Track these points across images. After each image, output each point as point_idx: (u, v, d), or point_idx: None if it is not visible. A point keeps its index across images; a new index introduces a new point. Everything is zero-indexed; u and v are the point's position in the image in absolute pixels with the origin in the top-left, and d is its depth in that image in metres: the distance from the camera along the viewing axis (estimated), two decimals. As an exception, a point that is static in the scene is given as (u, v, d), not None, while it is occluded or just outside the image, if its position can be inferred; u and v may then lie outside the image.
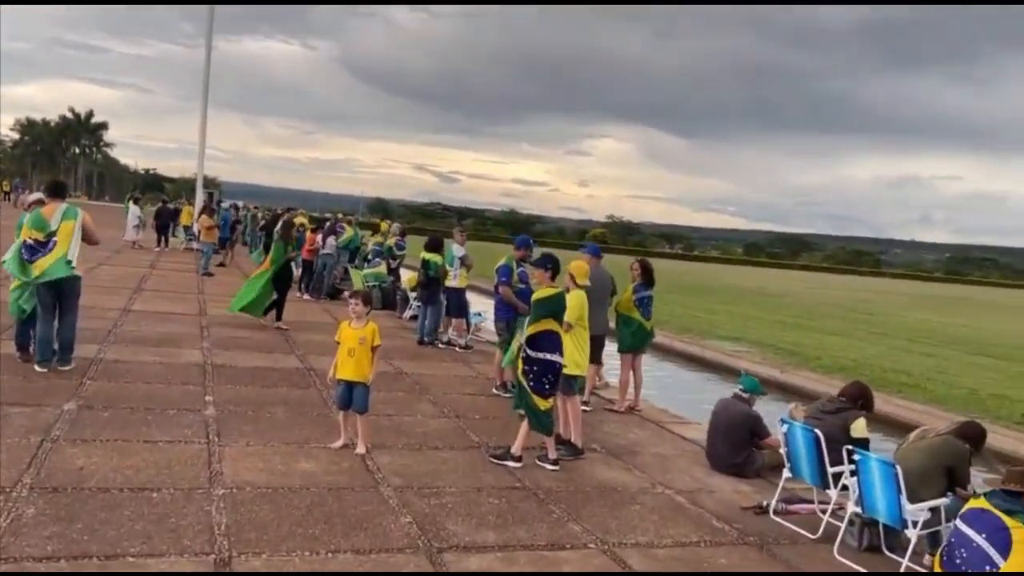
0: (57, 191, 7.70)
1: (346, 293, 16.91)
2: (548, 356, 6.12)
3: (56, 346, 7.51)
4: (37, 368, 7.37)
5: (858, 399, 5.96)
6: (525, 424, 6.21)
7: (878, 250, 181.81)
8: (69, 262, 7.23)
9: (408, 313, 14.45)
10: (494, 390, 8.77)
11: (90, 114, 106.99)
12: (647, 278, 8.73)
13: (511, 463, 6.10)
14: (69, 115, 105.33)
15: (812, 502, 5.80)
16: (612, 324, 8.72)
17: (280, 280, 11.50)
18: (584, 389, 8.33)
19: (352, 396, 6.01)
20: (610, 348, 9.08)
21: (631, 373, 8.67)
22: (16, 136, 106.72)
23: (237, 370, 8.44)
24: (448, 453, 6.31)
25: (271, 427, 6.45)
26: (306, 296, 16.18)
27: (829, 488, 5.43)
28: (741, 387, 6.96)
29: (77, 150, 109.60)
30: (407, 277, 15.86)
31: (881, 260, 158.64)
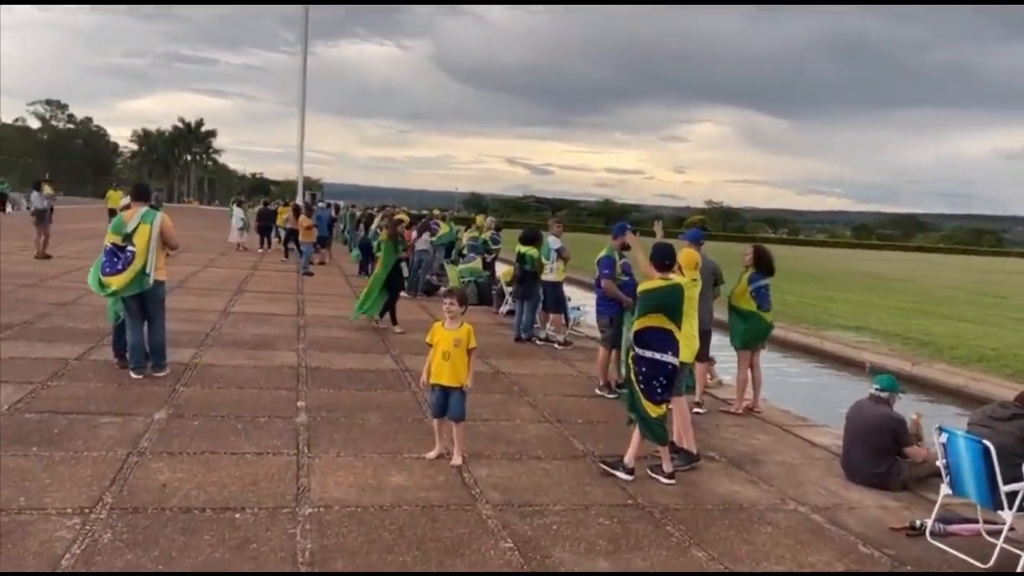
0: (140, 194, 7.59)
1: (442, 289, 16.69)
2: (658, 356, 5.48)
3: (149, 351, 7.44)
4: (132, 375, 7.29)
5: (1039, 403, 5.07)
6: (637, 431, 5.61)
7: (1000, 228, 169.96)
8: (147, 276, 7.12)
9: (504, 308, 14.02)
10: (597, 391, 8.19)
11: (200, 123, 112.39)
12: (763, 266, 7.95)
13: (622, 475, 5.51)
14: (180, 125, 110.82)
15: (976, 521, 4.98)
16: (718, 316, 7.98)
17: (392, 281, 11.16)
18: (696, 389, 7.67)
19: (448, 403, 5.56)
20: (722, 342, 8.35)
21: (748, 371, 7.92)
22: (135, 147, 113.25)
23: (331, 372, 8.18)
24: (551, 464, 5.77)
25: (363, 435, 6.09)
26: (403, 294, 15.98)
27: (1002, 509, 4.59)
28: (877, 386, 6.13)
29: (189, 157, 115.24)
30: (503, 271, 15.46)
31: (1004, 239, 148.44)
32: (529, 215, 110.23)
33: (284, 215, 25.01)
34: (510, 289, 14.35)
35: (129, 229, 7.15)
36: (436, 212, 22.53)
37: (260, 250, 23.94)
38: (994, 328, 16.53)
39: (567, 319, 11.54)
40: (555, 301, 10.96)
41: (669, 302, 5.55)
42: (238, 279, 16.35)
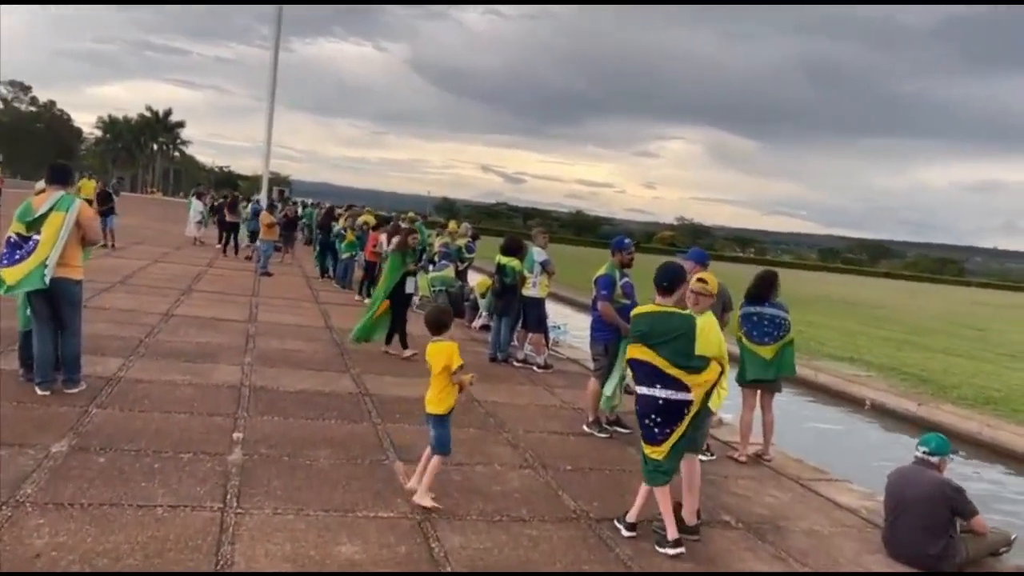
0: (56, 176, 6.26)
1: (414, 299, 15.55)
2: (645, 390, 4.63)
3: (61, 363, 6.24)
4: (38, 391, 6.09)
5: None
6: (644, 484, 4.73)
7: (959, 258, 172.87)
8: (45, 272, 5.85)
9: (478, 322, 12.97)
10: (586, 427, 7.16)
11: (168, 112, 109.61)
12: (751, 291, 6.98)
13: (621, 528, 4.76)
14: (148, 113, 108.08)
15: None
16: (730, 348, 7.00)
17: (397, 298, 9.61)
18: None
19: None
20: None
21: (753, 412, 6.94)
22: (99, 133, 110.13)
23: (278, 395, 7.03)
24: (538, 528, 4.71)
25: (309, 482, 4.98)
26: (366, 300, 14.84)
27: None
28: (924, 448, 5.18)
29: (155, 147, 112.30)
30: (477, 281, 14.38)
31: (963, 268, 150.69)
32: (501, 222, 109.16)
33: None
34: (484, 301, 13.28)
35: (35, 215, 5.94)
36: (411, 215, 21.36)
37: (219, 245, 22.51)
38: (988, 365, 15.82)
39: (547, 339, 10.50)
40: (536, 319, 9.92)
41: (660, 333, 4.58)
42: (189, 277, 15.05)
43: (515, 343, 10.51)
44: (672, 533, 4.58)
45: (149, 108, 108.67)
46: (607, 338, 6.94)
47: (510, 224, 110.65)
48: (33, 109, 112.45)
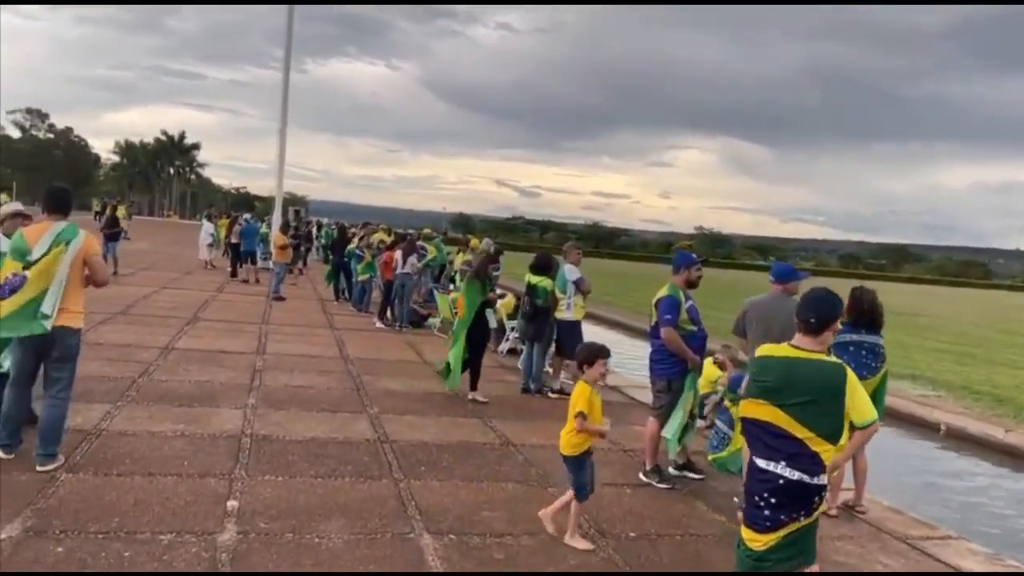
0: (57, 202, 5.16)
1: (431, 319, 14.60)
2: (762, 463, 3.36)
3: (39, 434, 5.17)
4: (0, 454, 5.15)
5: None
6: None
7: (983, 260, 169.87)
8: (39, 314, 4.85)
9: (505, 346, 11.97)
10: (643, 475, 6.12)
11: (182, 136, 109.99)
12: (855, 314, 5.94)
13: None
14: (163, 137, 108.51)
15: None
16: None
17: (475, 333, 8.20)
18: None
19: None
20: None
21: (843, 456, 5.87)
22: (116, 159, 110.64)
23: (284, 445, 6.06)
24: (609, 630, 3.69)
25: (317, 567, 3.99)
26: (378, 323, 13.92)
27: None
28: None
29: (172, 171, 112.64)
30: (502, 303, 13.37)
31: (990, 271, 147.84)
32: (518, 236, 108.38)
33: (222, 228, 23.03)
34: (512, 324, 12.30)
35: (35, 256, 4.89)
36: (427, 231, 20.44)
37: (229, 269, 21.60)
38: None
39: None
40: (572, 343, 8.86)
41: (800, 388, 3.31)
42: (195, 304, 14.17)
43: (548, 370, 9.50)
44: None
45: (164, 132, 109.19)
46: (671, 371, 5.90)
47: (527, 238, 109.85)
48: (51, 136, 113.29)
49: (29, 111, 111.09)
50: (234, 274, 20.35)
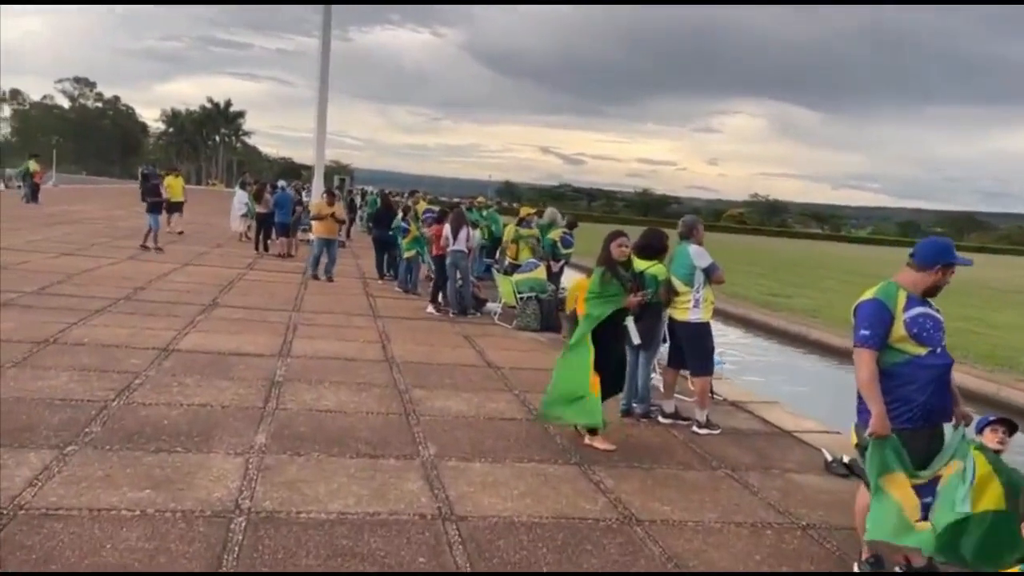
0: None
1: (490, 305, 12.41)
2: None
3: None
4: None
5: None
6: None
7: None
8: None
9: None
10: (856, 567, 3.85)
11: (228, 103, 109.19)
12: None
13: None
14: (208, 105, 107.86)
15: None
16: None
17: (604, 348, 5.74)
18: None
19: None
20: None
21: None
22: (163, 127, 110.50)
23: (296, 535, 3.91)
24: None
25: None
26: (430, 308, 11.80)
27: None
28: None
29: (218, 139, 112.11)
30: (574, 283, 11.09)
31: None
32: (566, 205, 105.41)
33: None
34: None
35: None
36: (480, 200, 18.20)
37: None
38: None
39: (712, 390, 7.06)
40: (699, 353, 6.54)
41: None
42: (217, 285, 12.19)
43: (654, 381, 7.23)
44: None
45: (210, 99, 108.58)
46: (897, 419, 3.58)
47: (574, 207, 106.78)
48: (99, 105, 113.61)
49: (77, 80, 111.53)
50: (259, 248, 18.29)
